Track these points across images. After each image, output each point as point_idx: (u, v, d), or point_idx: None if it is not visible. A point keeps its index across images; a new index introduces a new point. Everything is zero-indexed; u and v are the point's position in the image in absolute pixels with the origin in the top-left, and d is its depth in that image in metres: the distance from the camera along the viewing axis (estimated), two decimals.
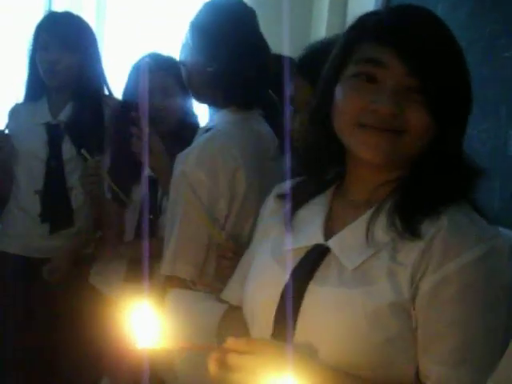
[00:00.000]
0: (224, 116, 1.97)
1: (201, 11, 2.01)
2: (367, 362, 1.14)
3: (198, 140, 1.96)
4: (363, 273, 1.18)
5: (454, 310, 1.12)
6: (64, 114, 2.65)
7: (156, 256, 2.04)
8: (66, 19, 2.63)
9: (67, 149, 2.66)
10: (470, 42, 1.31)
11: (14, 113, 2.78)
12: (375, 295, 1.15)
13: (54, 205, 2.66)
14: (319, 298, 1.20)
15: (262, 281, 1.30)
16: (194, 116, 2.59)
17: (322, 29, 3.98)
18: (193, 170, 1.84)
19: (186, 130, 2.44)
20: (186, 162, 1.87)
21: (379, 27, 1.21)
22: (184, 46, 2.01)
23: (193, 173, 1.83)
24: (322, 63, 1.34)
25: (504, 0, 2.98)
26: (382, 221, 1.21)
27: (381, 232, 1.20)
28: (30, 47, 2.63)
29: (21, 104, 2.78)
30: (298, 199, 1.32)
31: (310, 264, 1.24)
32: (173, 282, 1.82)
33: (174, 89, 2.47)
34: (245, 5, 2.05)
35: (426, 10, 1.25)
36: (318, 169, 1.33)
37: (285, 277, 1.25)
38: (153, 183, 2.40)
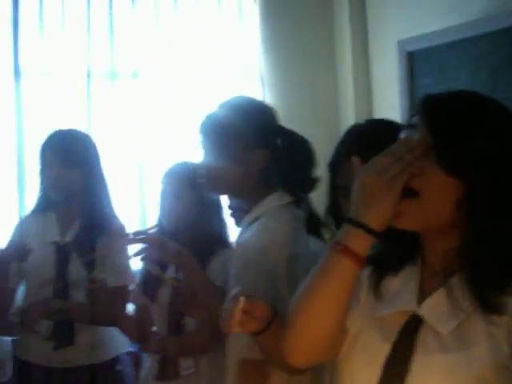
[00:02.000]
0: (272, 201, 2.05)
1: (224, 112, 2.08)
2: None
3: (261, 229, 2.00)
4: (460, 337, 1.20)
5: None
6: (71, 233, 2.69)
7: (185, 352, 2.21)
8: (69, 136, 2.71)
9: (74, 269, 2.66)
10: None
11: (22, 226, 2.80)
12: (476, 358, 1.17)
13: (57, 325, 2.67)
14: (423, 367, 1.21)
15: (363, 350, 1.32)
16: None
17: (350, 116, 4.08)
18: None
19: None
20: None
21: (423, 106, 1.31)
22: (210, 150, 2.05)
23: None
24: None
25: None
26: (462, 290, 1.23)
27: (464, 301, 1.21)
28: (39, 165, 2.74)
29: (28, 216, 2.82)
30: (386, 267, 1.34)
31: (408, 334, 1.25)
32: (249, 366, 1.83)
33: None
34: (265, 104, 2.19)
35: (465, 94, 1.33)
36: (400, 239, 1.34)
37: (385, 348, 1.27)
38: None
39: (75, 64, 3.61)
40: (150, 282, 2.53)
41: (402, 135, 1.30)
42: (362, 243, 1.24)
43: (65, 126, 2.81)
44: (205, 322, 2.26)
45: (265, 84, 4.00)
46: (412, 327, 1.26)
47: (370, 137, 1.74)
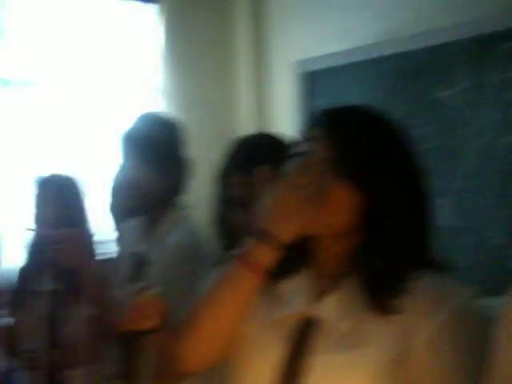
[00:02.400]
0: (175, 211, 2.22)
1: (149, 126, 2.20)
2: None
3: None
4: (356, 336, 1.24)
5: (450, 356, 1.21)
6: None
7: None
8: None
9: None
10: None
11: None
12: (372, 356, 1.22)
13: None
14: (319, 367, 1.25)
15: (257, 353, 1.34)
16: None
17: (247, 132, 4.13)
18: None
19: None
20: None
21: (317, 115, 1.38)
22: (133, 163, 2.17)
23: None
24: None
25: (410, 85, 3.20)
26: (357, 291, 1.28)
27: (361, 302, 1.26)
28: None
29: None
30: (280, 271, 1.36)
31: (303, 335, 1.29)
32: None
33: None
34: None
35: (359, 106, 1.40)
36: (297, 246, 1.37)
37: (280, 349, 1.30)
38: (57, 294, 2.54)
39: None
40: (22, 295, 2.53)
41: (301, 147, 1.34)
42: (267, 256, 1.28)
43: None
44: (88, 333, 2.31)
45: (164, 97, 4.01)
46: (307, 328, 1.30)
47: (257, 149, 1.81)
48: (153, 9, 3.99)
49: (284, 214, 1.27)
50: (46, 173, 2.68)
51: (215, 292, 1.34)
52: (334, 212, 1.28)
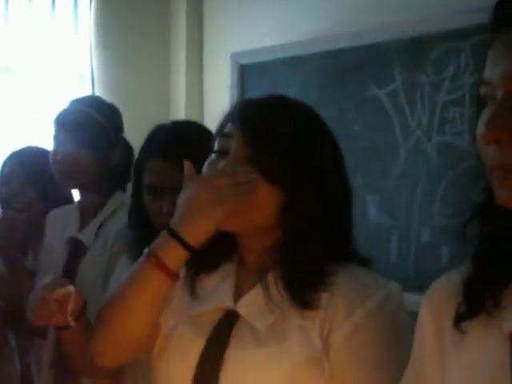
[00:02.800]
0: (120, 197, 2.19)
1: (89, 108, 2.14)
2: None
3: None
4: (275, 332, 1.24)
5: (368, 354, 1.20)
6: None
7: None
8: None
9: None
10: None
11: None
12: (290, 351, 1.21)
13: None
14: (237, 361, 1.24)
15: (176, 348, 1.32)
16: None
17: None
18: None
19: None
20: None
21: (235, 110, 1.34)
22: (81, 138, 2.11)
23: None
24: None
25: (345, 82, 3.22)
26: (277, 286, 1.27)
27: (280, 297, 1.26)
28: None
29: None
30: (201, 266, 1.35)
31: (223, 329, 1.28)
32: None
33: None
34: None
35: (276, 97, 1.37)
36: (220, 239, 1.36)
37: (199, 344, 1.28)
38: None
39: None
40: None
41: (217, 144, 1.32)
42: (176, 257, 1.26)
43: None
44: None
45: (96, 85, 3.92)
46: (227, 323, 1.28)
47: (177, 136, 1.78)
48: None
49: (195, 216, 1.24)
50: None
51: (125, 288, 1.32)
52: (251, 210, 1.26)
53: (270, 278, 1.28)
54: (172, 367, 1.31)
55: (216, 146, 1.32)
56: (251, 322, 1.26)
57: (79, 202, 2.29)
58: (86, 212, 2.21)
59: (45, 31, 3.75)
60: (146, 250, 1.31)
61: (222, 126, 1.33)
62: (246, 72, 3.71)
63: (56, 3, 3.79)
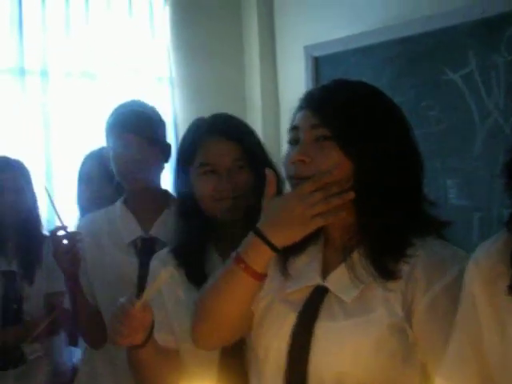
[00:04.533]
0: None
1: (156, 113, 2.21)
2: (375, 382, 1.28)
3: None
4: (361, 304, 1.32)
5: (447, 322, 1.24)
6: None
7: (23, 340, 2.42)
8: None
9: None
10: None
11: None
12: (375, 321, 1.30)
13: None
14: (327, 332, 1.32)
15: (272, 323, 1.41)
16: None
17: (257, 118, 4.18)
18: None
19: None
20: None
21: (302, 99, 1.42)
22: None
23: None
24: None
25: (419, 68, 3.24)
26: (361, 263, 1.33)
27: (364, 272, 1.33)
28: None
29: None
30: (292, 249, 1.40)
31: (313, 304, 1.36)
32: None
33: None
34: None
35: (340, 81, 1.43)
36: None
37: (292, 318, 1.37)
38: (12, 275, 2.63)
39: None
40: None
41: (289, 136, 1.39)
42: (264, 259, 1.36)
43: None
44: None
45: (174, 86, 4.05)
46: (317, 297, 1.37)
47: (228, 116, 1.80)
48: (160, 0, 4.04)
49: (286, 226, 1.32)
50: None
51: (218, 288, 1.42)
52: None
53: (356, 254, 1.35)
54: (269, 340, 1.40)
55: (288, 138, 1.40)
56: (339, 295, 1.34)
57: (127, 202, 2.22)
58: (142, 212, 2.17)
59: (123, 37, 3.90)
60: (233, 254, 1.40)
61: (292, 120, 1.41)
62: (319, 64, 3.77)
63: (133, 9, 3.94)
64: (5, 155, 2.79)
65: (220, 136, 1.69)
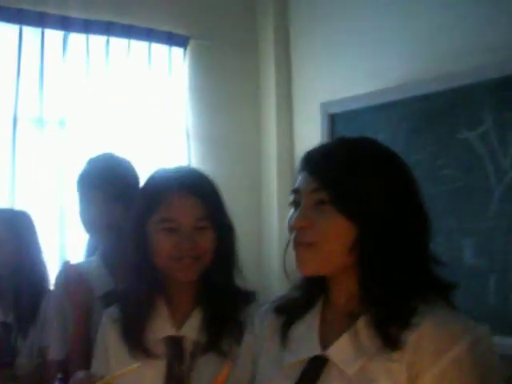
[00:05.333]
0: None
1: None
2: None
3: None
4: (364, 375, 1.24)
5: None
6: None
7: None
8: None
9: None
10: (413, 164, 1.42)
11: None
12: None
13: None
14: None
15: None
16: None
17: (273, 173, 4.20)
18: None
19: None
20: None
21: (302, 160, 1.38)
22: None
23: None
24: None
25: (435, 126, 3.24)
26: (366, 332, 1.26)
27: (368, 342, 1.26)
28: None
29: None
30: (292, 315, 1.38)
31: (312, 375, 1.30)
32: None
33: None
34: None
35: (340, 139, 1.40)
36: (309, 287, 1.39)
37: None
38: (8, 327, 2.59)
39: (2, 109, 3.58)
40: None
41: (291, 199, 1.37)
42: None
43: None
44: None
45: (190, 137, 4.09)
46: (316, 368, 1.31)
47: (196, 173, 1.77)
48: (179, 52, 4.10)
49: None
50: None
51: None
52: (328, 248, 1.29)
53: (361, 322, 1.29)
54: None
55: (290, 200, 1.37)
56: (341, 367, 1.27)
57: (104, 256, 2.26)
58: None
59: (142, 86, 3.96)
60: None
61: (294, 182, 1.38)
62: (335, 121, 3.78)
63: (152, 60, 4.00)
64: (9, 207, 2.79)
65: (185, 192, 1.64)
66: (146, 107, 3.96)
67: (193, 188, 1.65)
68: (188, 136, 4.08)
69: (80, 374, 1.49)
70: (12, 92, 3.58)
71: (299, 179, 1.36)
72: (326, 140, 3.75)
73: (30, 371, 2.56)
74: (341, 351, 1.29)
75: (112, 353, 1.67)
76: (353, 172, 1.29)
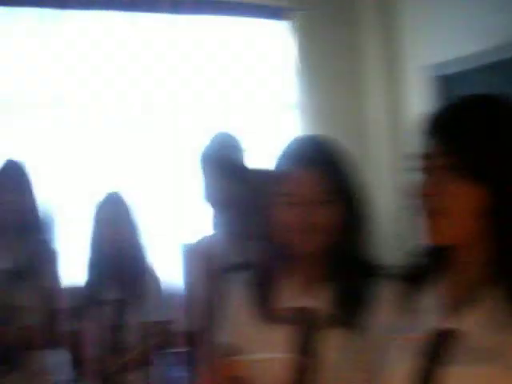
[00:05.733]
0: None
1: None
2: None
3: None
4: (498, 348, 1.20)
5: None
6: (16, 259, 2.70)
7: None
8: (16, 166, 2.79)
9: (21, 297, 2.66)
10: None
11: None
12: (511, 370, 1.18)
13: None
14: (459, 378, 1.22)
15: (391, 364, 1.34)
16: None
17: (381, 140, 4.15)
18: None
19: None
20: None
21: (430, 123, 1.31)
22: None
23: None
24: None
25: None
26: (498, 305, 1.22)
27: (501, 315, 1.22)
28: None
29: None
30: (415, 284, 1.35)
31: (440, 347, 1.26)
32: None
33: None
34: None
35: (468, 99, 1.32)
36: (433, 256, 1.36)
37: (414, 361, 1.28)
38: (122, 304, 2.72)
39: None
40: (87, 304, 2.74)
41: (421, 164, 1.31)
42: None
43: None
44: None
45: (300, 112, 4.10)
46: (443, 340, 1.27)
47: (320, 147, 1.73)
48: (284, 25, 4.10)
49: None
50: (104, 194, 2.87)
51: None
52: (459, 216, 1.25)
53: (490, 293, 1.24)
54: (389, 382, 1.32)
55: (415, 164, 1.32)
56: (471, 338, 1.23)
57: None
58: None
59: (251, 63, 4.00)
60: None
61: (419, 145, 1.32)
62: (444, 83, 3.68)
63: (255, 34, 4.05)
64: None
65: (308, 165, 1.62)
66: (253, 81, 4.00)
67: (316, 161, 1.62)
68: (295, 109, 4.09)
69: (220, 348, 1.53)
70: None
71: (426, 143, 1.29)
72: (435, 104, 3.66)
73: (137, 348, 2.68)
74: (472, 324, 1.24)
75: (242, 318, 1.68)
76: (487, 134, 1.22)
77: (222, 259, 2.22)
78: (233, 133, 2.44)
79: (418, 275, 1.37)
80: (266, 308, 1.64)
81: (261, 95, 4.03)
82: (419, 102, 3.86)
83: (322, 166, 1.62)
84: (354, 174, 1.67)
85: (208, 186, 2.33)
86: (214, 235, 2.39)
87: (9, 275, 2.67)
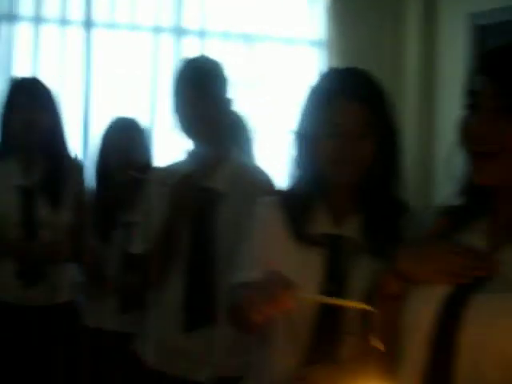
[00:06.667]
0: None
1: None
2: None
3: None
4: None
5: None
6: (35, 177, 2.71)
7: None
8: (36, 83, 2.77)
9: (42, 211, 2.69)
10: None
11: None
12: None
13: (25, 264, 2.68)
14: (483, 305, 1.21)
15: (424, 293, 1.32)
16: None
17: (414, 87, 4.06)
18: None
19: None
20: None
21: (482, 61, 1.29)
22: None
23: None
24: None
25: None
26: None
27: None
28: (2, 109, 2.70)
29: None
30: (458, 222, 1.34)
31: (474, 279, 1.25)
32: None
33: None
34: None
35: None
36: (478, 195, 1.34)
37: (446, 287, 1.27)
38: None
39: (142, 19, 3.66)
40: (102, 223, 2.72)
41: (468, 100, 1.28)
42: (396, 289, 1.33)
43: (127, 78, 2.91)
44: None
45: (330, 49, 4.00)
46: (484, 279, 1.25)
47: (364, 77, 1.70)
48: None
49: (422, 269, 1.29)
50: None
51: None
52: (508, 161, 1.22)
53: None
54: (414, 310, 1.32)
55: (464, 102, 1.28)
56: (504, 269, 1.23)
57: (195, 153, 2.26)
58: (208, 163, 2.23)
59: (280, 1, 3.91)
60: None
61: (470, 82, 1.29)
62: (484, 33, 3.57)
63: None
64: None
65: (349, 96, 1.61)
66: (285, 20, 3.93)
67: (357, 93, 1.61)
68: (326, 49, 4.00)
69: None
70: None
71: (478, 81, 1.26)
72: (472, 54, 3.57)
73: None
74: (507, 256, 1.24)
75: (274, 238, 1.68)
76: None
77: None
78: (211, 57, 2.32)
79: (460, 214, 1.35)
80: (300, 230, 1.65)
81: (293, 32, 3.95)
82: (456, 52, 3.75)
83: (365, 99, 1.60)
84: (393, 109, 1.67)
85: (180, 108, 2.20)
86: (180, 162, 2.26)
87: (32, 191, 2.69)
